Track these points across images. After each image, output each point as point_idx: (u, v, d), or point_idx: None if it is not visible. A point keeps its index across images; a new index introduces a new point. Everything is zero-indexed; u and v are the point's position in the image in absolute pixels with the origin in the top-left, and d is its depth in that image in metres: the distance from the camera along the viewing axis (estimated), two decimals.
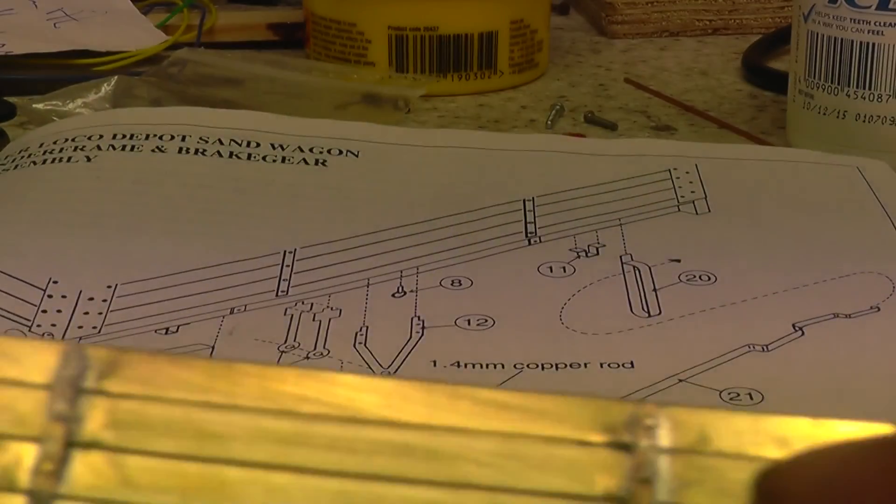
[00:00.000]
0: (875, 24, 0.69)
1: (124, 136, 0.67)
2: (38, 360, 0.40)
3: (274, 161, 0.67)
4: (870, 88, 0.70)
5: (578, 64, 0.92)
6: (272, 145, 0.68)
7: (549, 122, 0.79)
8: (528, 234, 0.61)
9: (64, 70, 0.84)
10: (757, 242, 0.60)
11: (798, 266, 0.58)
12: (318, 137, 0.69)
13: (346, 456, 0.40)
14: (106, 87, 0.77)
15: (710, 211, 0.63)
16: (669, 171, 0.66)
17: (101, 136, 0.67)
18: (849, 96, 0.71)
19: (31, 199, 0.62)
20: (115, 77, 0.78)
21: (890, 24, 0.69)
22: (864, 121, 0.71)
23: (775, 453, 0.40)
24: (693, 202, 0.64)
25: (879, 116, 0.70)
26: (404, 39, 0.84)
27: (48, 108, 0.76)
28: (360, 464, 0.40)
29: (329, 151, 0.68)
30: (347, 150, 0.68)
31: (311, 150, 0.68)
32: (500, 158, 0.68)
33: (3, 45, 0.85)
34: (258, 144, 0.68)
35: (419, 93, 0.80)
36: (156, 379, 0.41)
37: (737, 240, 0.61)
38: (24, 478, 0.39)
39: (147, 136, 0.67)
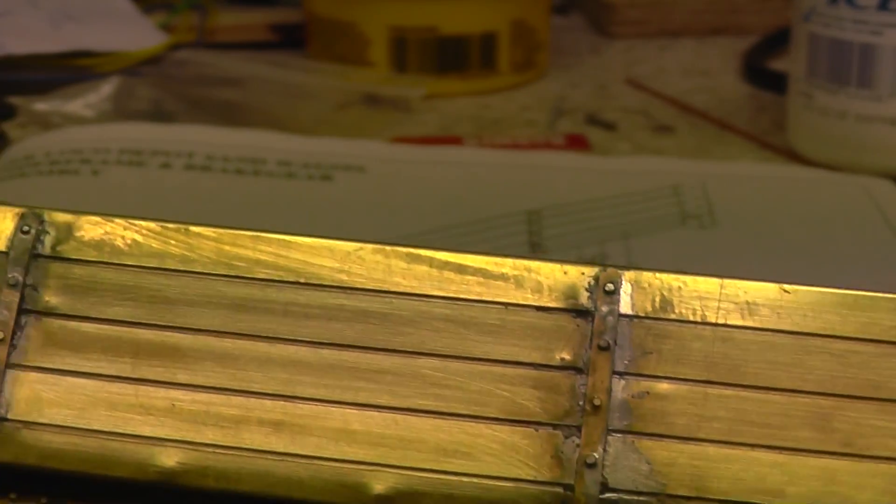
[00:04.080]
0: (875, 24, 0.69)
1: (131, 152, 0.67)
2: None
3: (280, 177, 0.67)
4: (870, 89, 0.70)
5: (578, 64, 0.92)
6: (278, 162, 0.68)
7: (549, 123, 0.79)
8: (533, 246, 0.61)
9: (64, 70, 0.84)
10: (762, 259, 0.60)
11: (804, 283, 0.58)
12: (323, 153, 0.69)
13: (300, 322, 0.40)
14: (106, 88, 0.77)
15: (715, 227, 0.63)
16: (676, 186, 0.66)
17: (108, 151, 0.67)
18: (849, 97, 0.71)
19: None
20: (116, 77, 0.78)
21: (890, 25, 0.69)
22: (864, 121, 0.71)
23: (740, 321, 0.39)
24: (699, 217, 0.64)
25: (879, 117, 0.70)
26: (404, 39, 0.84)
27: (48, 108, 0.76)
28: (314, 330, 0.40)
29: (335, 167, 0.68)
30: (353, 166, 0.68)
31: (317, 165, 0.68)
32: (506, 172, 0.69)
33: (4, 45, 0.85)
34: (264, 161, 0.68)
35: (419, 93, 0.80)
36: (110, 244, 0.41)
37: (742, 256, 0.61)
38: None
39: (154, 153, 0.67)
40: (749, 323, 0.38)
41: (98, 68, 0.85)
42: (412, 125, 0.79)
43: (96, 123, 0.75)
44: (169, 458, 0.38)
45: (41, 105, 0.76)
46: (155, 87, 0.79)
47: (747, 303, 0.39)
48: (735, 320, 0.38)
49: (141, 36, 0.89)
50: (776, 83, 0.83)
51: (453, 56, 0.84)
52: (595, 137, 0.77)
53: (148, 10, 0.93)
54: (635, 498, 0.37)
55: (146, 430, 0.38)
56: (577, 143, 0.76)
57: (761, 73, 0.88)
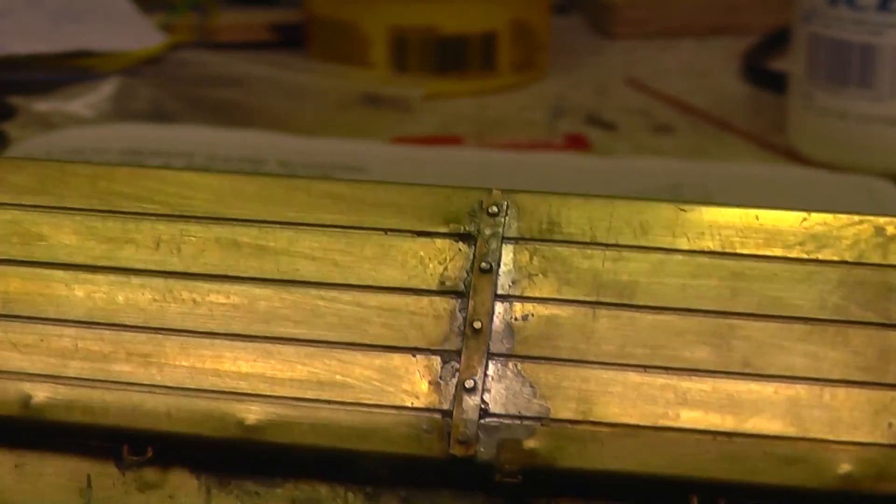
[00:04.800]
0: (875, 24, 0.69)
1: (131, 152, 0.67)
2: None
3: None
4: (870, 89, 0.70)
5: (578, 64, 0.92)
6: (278, 162, 0.68)
7: (549, 123, 0.79)
8: None
9: (64, 70, 0.84)
10: None
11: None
12: (324, 153, 0.69)
13: (172, 255, 0.39)
14: (106, 88, 0.77)
15: None
16: (676, 186, 0.66)
17: (108, 151, 0.67)
18: (849, 97, 0.71)
19: None
20: (116, 77, 0.78)
21: (890, 25, 0.69)
22: (864, 121, 0.71)
23: (632, 240, 0.38)
24: None
25: (879, 117, 0.70)
26: (404, 39, 0.84)
27: (48, 108, 0.76)
28: (186, 262, 0.39)
29: (335, 167, 0.68)
30: (353, 166, 0.68)
31: (317, 165, 0.68)
32: (505, 170, 0.69)
33: (4, 45, 0.85)
34: (264, 161, 0.68)
35: (419, 93, 0.80)
36: None
37: None
38: None
39: (154, 153, 0.67)
40: (642, 242, 0.37)
41: (98, 68, 0.85)
42: (412, 125, 0.79)
43: (96, 123, 0.75)
44: (36, 393, 0.38)
45: (41, 105, 0.76)
46: (155, 87, 0.79)
47: (641, 223, 0.38)
48: (627, 240, 0.38)
49: (141, 36, 0.89)
50: (776, 83, 0.83)
51: (453, 56, 0.84)
52: (595, 137, 0.77)
53: (148, 10, 0.93)
54: (518, 423, 0.36)
55: (13, 365, 0.38)
56: (577, 143, 0.76)
57: (761, 73, 0.88)
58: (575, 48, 0.96)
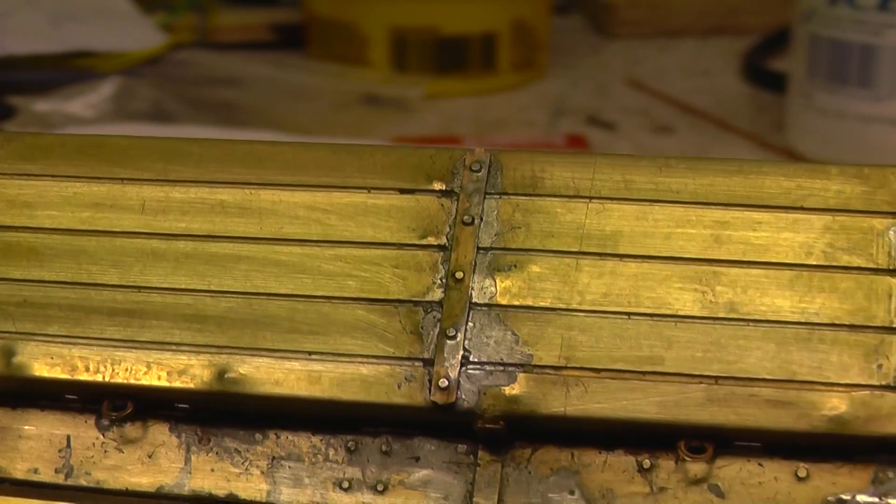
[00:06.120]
0: (875, 24, 0.69)
1: None
2: None
3: None
4: (870, 89, 0.70)
5: (578, 64, 0.92)
6: None
7: (549, 123, 0.79)
8: None
9: (64, 70, 0.84)
10: None
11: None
12: None
13: (157, 217, 0.39)
14: (106, 88, 0.77)
15: None
16: None
17: None
18: (849, 97, 0.71)
19: None
20: (116, 77, 0.78)
21: (890, 25, 0.69)
22: (864, 121, 0.71)
23: (615, 193, 0.38)
24: None
25: (879, 117, 0.70)
26: (404, 39, 0.84)
27: (48, 108, 0.76)
28: (170, 223, 0.39)
29: None
30: None
31: None
32: None
33: (4, 45, 0.85)
34: None
35: (419, 93, 0.80)
36: None
37: None
38: None
39: None
40: (625, 195, 0.37)
41: (98, 68, 0.85)
42: (412, 125, 0.79)
43: (96, 123, 0.75)
44: (18, 350, 0.38)
45: (41, 105, 0.76)
46: (155, 87, 0.79)
47: (624, 177, 0.38)
48: (610, 193, 0.37)
49: (141, 36, 0.89)
50: (776, 83, 0.83)
51: (453, 56, 0.84)
52: (595, 137, 0.77)
53: (148, 10, 0.93)
54: (500, 369, 0.36)
55: None
56: (577, 143, 0.76)
57: (761, 73, 0.88)
58: (575, 48, 0.96)
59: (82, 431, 0.39)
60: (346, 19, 0.85)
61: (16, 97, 0.77)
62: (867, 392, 0.35)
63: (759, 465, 0.35)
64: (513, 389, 0.36)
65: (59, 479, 0.38)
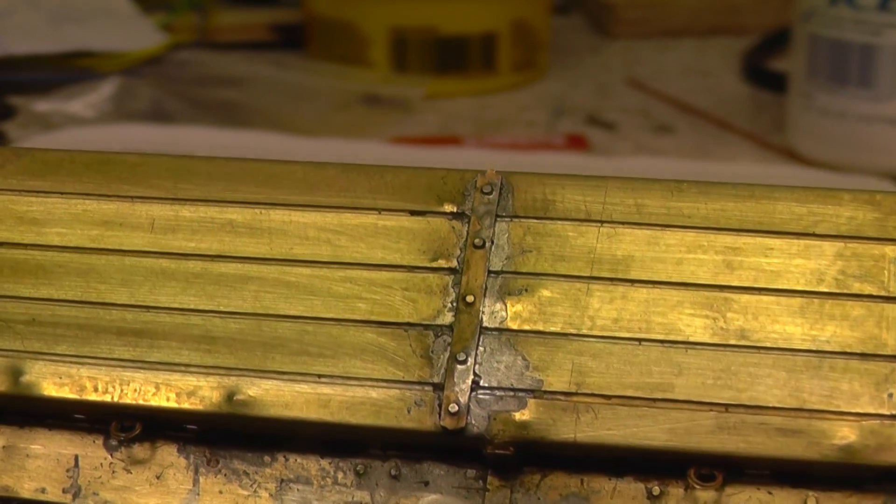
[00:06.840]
0: (875, 24, 0.69)
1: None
2: None
3: None
4: (870, 89, 0.70)
5: (578, 64, 0.92)
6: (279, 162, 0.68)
7: (549, 123, 0.79)
8: None
9: (64, 70, 0.84)
10: None
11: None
12: (323, 153, 0.69)
13: (167, 236, 0.39)
14: (106, 88, 0.77)
15: None
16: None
17: (109, 151, 0.67)
18: (849, 97, 0.71)
19: None
20: (116, 77, 0.78)
21: (890, 25, 0.69)
22: (864, 121, 0.71)
23: (627, 217, 0.38)
24: None
25: (879, 117, 0.70)
26: (404, 39, 0.84)
27: (48, 108, 0.76)
28: (181, 242, 0.39)
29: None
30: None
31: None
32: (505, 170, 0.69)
33: (4, 45, 0.85)
34: None
35: (419, 93, 0.80)
36: None
37: None
38: None
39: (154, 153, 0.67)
40: (636, 219, 0.37)
41: (98, 68, 0.85)
42: (412, 125, 0.79)
43: (96, 123, 0.75)
44: (27, 370, 0.38)
45: (41, 105, 0.76)
46: (155, 87, 0.79)
47: (635, 202, 0.38)
48: (621, 217, 0.37)
49: (141, 36, 0.89)
50: (776, 83, 0.83)
51: (453, 56, 0.84)
52: (595, 137, 0.77)
53: (148, 10, 0.93)
54: (510, 395, 0.36)
55: (3, 344, 0.38)
56: (577, 143, 0.76)
57: (761, 73, 0.88)
58: (575, 48, 0.96)
59: (90, 451, 0.38)
60: (346, 19, 0.85)
61: (16, 97, 0.77)
62: (877, 421, 0.35)
63: (769, 493, 0.35)
64: (523, 415, 0.36)
65: (67, 499, 0.38)
